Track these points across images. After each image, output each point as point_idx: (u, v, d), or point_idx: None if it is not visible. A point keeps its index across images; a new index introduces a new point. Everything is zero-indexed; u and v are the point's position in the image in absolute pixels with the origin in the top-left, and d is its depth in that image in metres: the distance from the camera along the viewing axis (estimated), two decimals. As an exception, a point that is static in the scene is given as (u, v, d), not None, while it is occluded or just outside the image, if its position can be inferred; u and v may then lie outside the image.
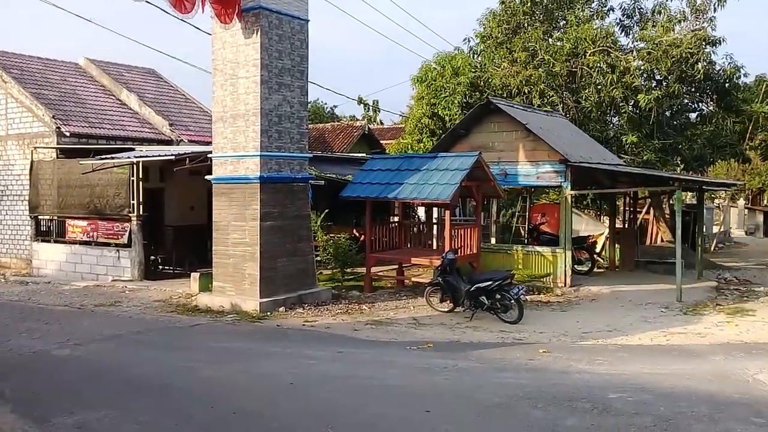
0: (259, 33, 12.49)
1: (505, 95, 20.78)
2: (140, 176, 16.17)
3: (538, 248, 15.98)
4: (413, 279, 15.86)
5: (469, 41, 23.72)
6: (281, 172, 13.02)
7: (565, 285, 15.06)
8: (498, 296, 11.47)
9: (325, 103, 48.54)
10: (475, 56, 23.63)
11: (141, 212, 16.29)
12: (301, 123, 13.42)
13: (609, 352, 8.97)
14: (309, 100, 13.93)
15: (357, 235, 17.97)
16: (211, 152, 13.69)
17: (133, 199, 16.22)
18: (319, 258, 15.34)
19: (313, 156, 15.11)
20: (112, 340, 9.96)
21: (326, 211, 18.15)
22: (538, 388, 6.81)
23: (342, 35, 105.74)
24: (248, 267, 12.76)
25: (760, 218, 39.75)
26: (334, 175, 17.80)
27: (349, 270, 16.03)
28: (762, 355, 8.64)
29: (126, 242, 16.46)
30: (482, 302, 11.57)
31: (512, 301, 11.37)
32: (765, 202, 44.42)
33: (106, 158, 16.88)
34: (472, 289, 11.63)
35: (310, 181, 14.15)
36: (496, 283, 11.44)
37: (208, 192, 14.50)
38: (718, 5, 19.77)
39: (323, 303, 13.28)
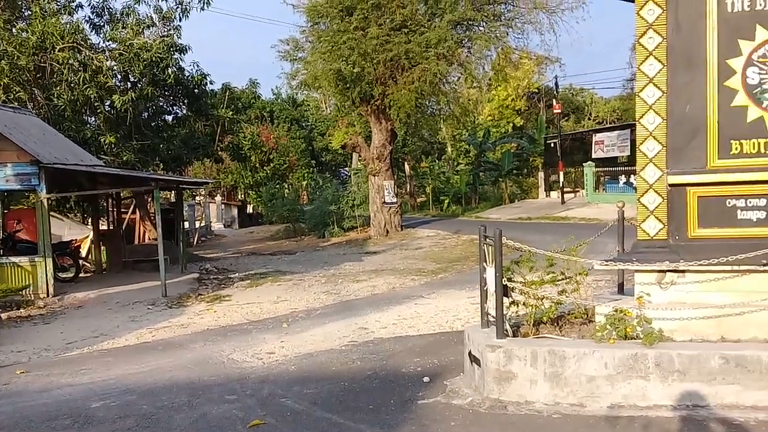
0: None
1: (-40, 88, 18.14)
2: None
3: (13, 259, 14.48)
4: None
5: None
6: None
7: (48, 295, 14.06)
8: (-37, 320, 10.03)
9: None
10: None
11: None
12: None
13: (94, 359, 8.76)
14: None
15: None
16: None
17: None
18: None
19: None
20: None
21: None
22: (12, 414, 6.21)
23: None
24: None
25: (235, 212, 44.39)
26: None
27: None
28: (236, 335, 9.67)
29: None
30: (-58, 330, 9.95)
31: (-18, 322, 10.08)
32: (239, 197, 49.74)
33: None
34: (-72, 316, 9.88)
35: None
36: (-40, 305, 9.98)
37: None
38: (182, 15, 21.18)
39: None
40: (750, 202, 5.80)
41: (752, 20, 5.76)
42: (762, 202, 5.77)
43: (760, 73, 5.76)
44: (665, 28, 5.92)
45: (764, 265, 5.55)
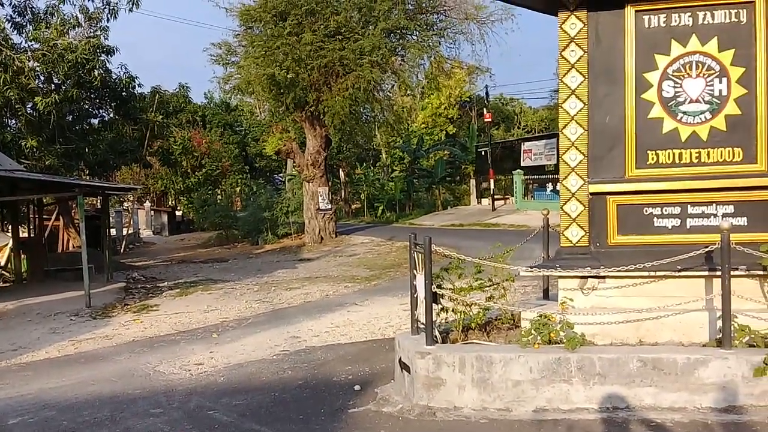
0: None
1: None
2: None
3: None
4: None
5: None
6: None
7: (-39, 307, 13.38)
8: None
9: None
10: None
11: None
12: None
13: (12, 374, 8.38)
14: None
15: None
16: None
17: None
18: None
19: None
20: None
21: None
22: None
23: None
24: None
25: (165, 218, 43.20)
26: None
27: None
28: (163, 346, 9.42)
29: None
30: None
31: None
32: (169, 203, 48.51)
33: None
34: None
35: None
36: None
37: None
38: (110, 16, 20.56)
39: None
40: (665, 210, 6.06)
41: (667, 36, 6.04)
42: (676, 210, 6.04)
43: (674, 87, 6.04)
44: (586, 41, 6.13)
45: (679, 270, 5.81)
